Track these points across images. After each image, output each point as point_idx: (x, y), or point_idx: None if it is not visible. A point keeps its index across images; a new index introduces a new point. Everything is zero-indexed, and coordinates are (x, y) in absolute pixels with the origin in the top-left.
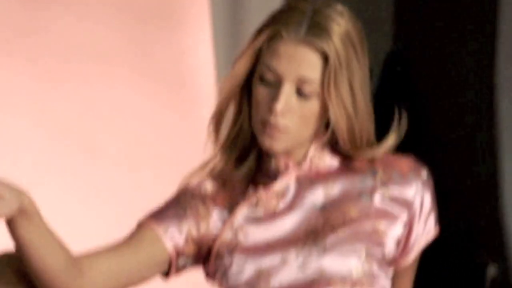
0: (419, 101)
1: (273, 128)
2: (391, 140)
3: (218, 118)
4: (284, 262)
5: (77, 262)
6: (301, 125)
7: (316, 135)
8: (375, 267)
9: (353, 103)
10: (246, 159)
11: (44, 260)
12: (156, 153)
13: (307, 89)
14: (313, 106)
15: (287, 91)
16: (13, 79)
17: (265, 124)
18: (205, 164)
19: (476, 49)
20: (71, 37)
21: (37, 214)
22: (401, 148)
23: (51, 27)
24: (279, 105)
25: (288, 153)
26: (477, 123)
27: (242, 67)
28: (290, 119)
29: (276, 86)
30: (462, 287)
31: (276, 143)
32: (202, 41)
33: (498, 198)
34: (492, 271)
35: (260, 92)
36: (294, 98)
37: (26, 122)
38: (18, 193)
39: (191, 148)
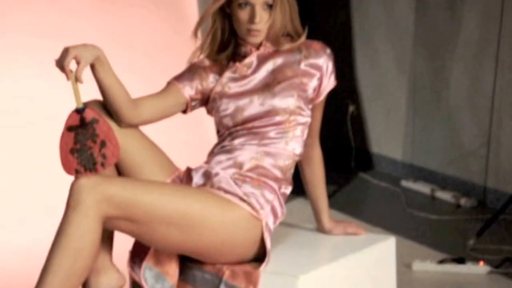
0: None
1: (255, 31)
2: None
3: (199, 24)
4: (251, 102)
5: (133, 101)
6: (267, 24)
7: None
8: (302, 103)
9: (289, 9)
10: (226, 48)
11: (116, 94)
12: (151, 48)
13: (269, 2)
14: (271, 13)
15: (259, 9)
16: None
17: (249, 30)
18: (196, 51)
19: None
20: None
21: (107, 61)
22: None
23: None
24: (257, 19)
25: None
26: (343, 31)
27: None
28: (263, 24)
29: (251, 8)
30: (335, 118)
31: (257, 38)
32: None
33: (353, 69)
34: (351, 108)
35: (241, 14)
36: (263, 12)
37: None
38: (92, 47)
39: (179, 47)
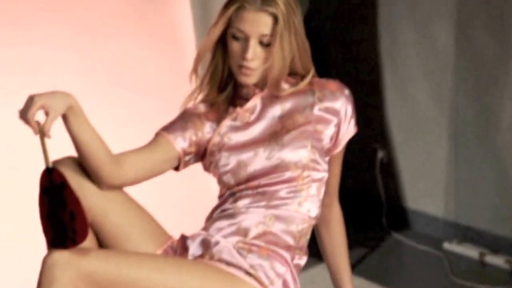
0: (328, 46)
1: (247, 69)
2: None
3: (197, 62)
4: (256, 155)
5: (115, 157)
6: (264, 65)
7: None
8: (317, 156)
9: (292, 48)
10: (225, 88)
11: (93, 150)
12: (146, 79)
13: (265, 40)
14: (269, 52)
15: (253, 44)
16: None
17: (241, 67)
18: (192, 93)
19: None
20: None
21: (82, 111)
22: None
23: None
24: (249, 54)
25: (258, 85)
26: (365, 60)
27: (216, 30)
28: (257, 62)
29: (245, 41)
30: (361, 167)
31: (249, 78)
32: (184, 10)
33: (383, 108)
34: (380, 154)
35: (234, 46)
36: (258, 48)
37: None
38: (63, 95)
39: (174, 78)
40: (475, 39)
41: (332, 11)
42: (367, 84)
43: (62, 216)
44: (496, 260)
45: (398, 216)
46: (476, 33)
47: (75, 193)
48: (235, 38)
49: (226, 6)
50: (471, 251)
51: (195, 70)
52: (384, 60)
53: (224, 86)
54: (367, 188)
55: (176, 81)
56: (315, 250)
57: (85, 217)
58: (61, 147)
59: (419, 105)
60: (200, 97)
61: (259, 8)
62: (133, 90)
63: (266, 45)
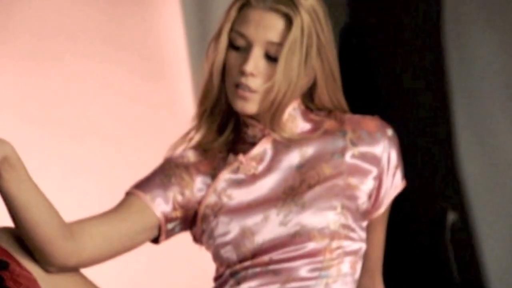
0: (373, 70)
1: (245, 89)
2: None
3: (203, 103)
4: (266, 220)
5: (68, 227)
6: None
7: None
8: (350, 220)
9: (309, 70)
10: (224, 130)
11: (37, 217)
12: (129, 118)
13: (273, 51)
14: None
15: (256, 54)
16: None
17: (237, 86)
18: (187, 134)
19: (421, 23)
20: (46, 14)
21: (22, 165)
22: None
23: (28, 5)
24: (249, 67)
25: (263, 119)
26: (427, 87)
27: (220, 47)
28: (260, 81)
29: (246, 50)
30: (427, 233)
31: (248, 104)
32: (171, 16)
33: (454, 154)
34: (451, 216)
35: (232, 57)
36: (263, 62)
37: (5, 101)
38: None
39: (160, 113)
40: None
41: (376, 22)
42: (430, 125)
43: None
44: None
45: None
46: None
47: (26, 270)
48: (234, 47)
49: (228, 8)
50: None
51: (199, 115)
52: (454, 89)
53: (223, 128)
54: (433, 264)
55: (162, 118)
56: None
57: None
58: None
59: (505, 150)
60: (196, 140)
61: (269, 7)
62: (98, 132)
63: (273, 59)
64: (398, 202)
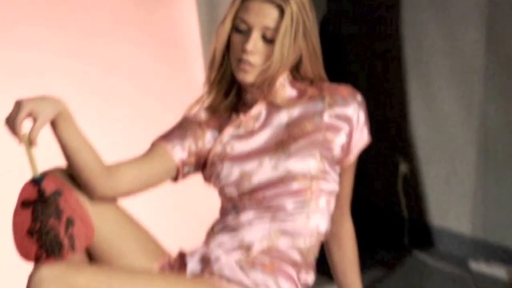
0: (345, 49)
1: (245, 64)
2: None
3: (211, 71)
4: (261, 165)
5: (107, 167)
6: (264, 63)
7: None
8: (327, 166)
9: (297, 49)
10: (229, 95)
11: (84, 159)
12: (150, 88)
13: (269, 35)
14: (272, 49)
15: (255, 36)
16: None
17: (239, 61)
18: (199, 98)
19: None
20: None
21: (72, 117)
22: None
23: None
24: (249, 46)
25: (259, 87)
26: (387, 67)
27: (225, 28)
28: (258, 57)
29: (247, 33)
30: (381, 182)
31: (247, 75)
32: (187, 9)
33: (407, 117)
34: (402, 167)
35: (236, 38)
36: (260, 42)
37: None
38: (52, 101)
39: (177, 83)
40: (508, 45)
41: (351, 15)
42: (389, 93)
43: (54, 226)
44: None
45: (421, 234)
46: (508, 38)
47: (76, 196)
48: (238, 31)
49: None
50: (499, 271)
51: (209, 80)
52: (408, 67)
53: (229, 92)
54: (388, 204)
55: (179, 86)
56: (325, 268)
57: (89, 219)
58: (47, 157)
59: (446, 115)
60: (207, 102)
61: None
62: (129, 96)
63: (269, 41)
64: (363, 154)
